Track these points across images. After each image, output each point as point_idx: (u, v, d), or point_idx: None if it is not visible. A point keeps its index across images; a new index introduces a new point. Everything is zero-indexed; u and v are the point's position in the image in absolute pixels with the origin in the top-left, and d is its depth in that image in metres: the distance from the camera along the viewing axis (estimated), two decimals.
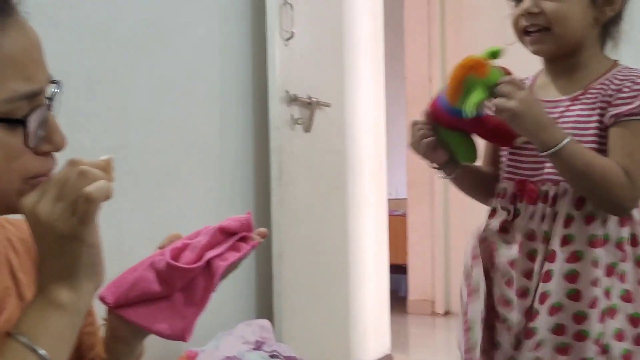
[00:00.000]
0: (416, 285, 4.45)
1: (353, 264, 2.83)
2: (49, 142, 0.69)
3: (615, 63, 1.23)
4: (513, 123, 1.15)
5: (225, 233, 0.84)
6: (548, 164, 1.20)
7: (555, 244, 1.18)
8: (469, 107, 1.14)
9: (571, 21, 1.18)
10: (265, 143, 2.37)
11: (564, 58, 1.23)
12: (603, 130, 1.17)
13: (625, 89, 1.15)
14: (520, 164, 1.26)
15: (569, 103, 1.21)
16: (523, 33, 1.24)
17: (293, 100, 2.39)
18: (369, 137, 3.00)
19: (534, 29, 1.21)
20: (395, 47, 4.34)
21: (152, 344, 2.10)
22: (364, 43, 2.97)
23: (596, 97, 1.18)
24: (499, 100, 1.14)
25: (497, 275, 1.26)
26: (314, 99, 2.47)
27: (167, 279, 0.80)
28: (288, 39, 2.36)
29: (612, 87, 1.17)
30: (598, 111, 1.17)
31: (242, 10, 2.39)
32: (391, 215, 3.43)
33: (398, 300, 4.41)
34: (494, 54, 1.17)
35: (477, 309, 1.27)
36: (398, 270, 4.54)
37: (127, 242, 1.90)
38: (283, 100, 2.36)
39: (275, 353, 2.03)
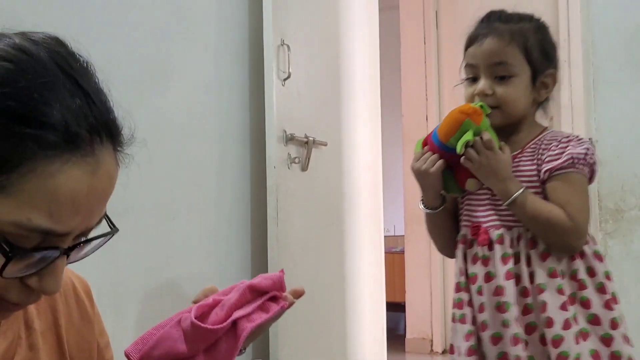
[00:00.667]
0: (414, 323, 4.42)
1: (350, 302, 2.82)
2: (39, 281, 0.63)
3: (545, 128, 1.47)
4: (477, 172, 1.40)
5: (255, 291, 0.80)
6: (502, 211, 1.39)
7: (525, 281, 1.36)
8: (461, 145, 1.36)
9: (517, 102, 1.41)
10: (263, 182, 2.39)
11: (507, 126, 1.45)
12: (542, 182, 1.39)
13: (553, 148, 1.39)
14: (475, 211, 1.44)
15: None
16: None
17: (290, 139, 2.41)
18: (366, 175, 3.02)
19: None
20: (391, 85, 4.39)
21: None
22: (360, 82, 3.00)
23: (532, 155, 1.42)
24: (470, 151, 1.38)
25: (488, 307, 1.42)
26: (311, 138, 2.49)
27: (192, 339, 0.77)
28: (285, 79, 2.40)
29: (542, 146, 1.41)
30: (535, 166, 1.40)
31: (239, 51, 2.43)
32: (389, 253, 3.43)
33: (396, 338, 4.37)
34: (485, 109, 1.39)
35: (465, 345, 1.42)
36: (396, 308, 4.52)
37: (124, 282, 1.90)
38: (280, 139, 2.38)
39: None
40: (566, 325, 1.31)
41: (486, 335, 1.37)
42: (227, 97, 2.37)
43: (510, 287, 1.35)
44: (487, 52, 1.40)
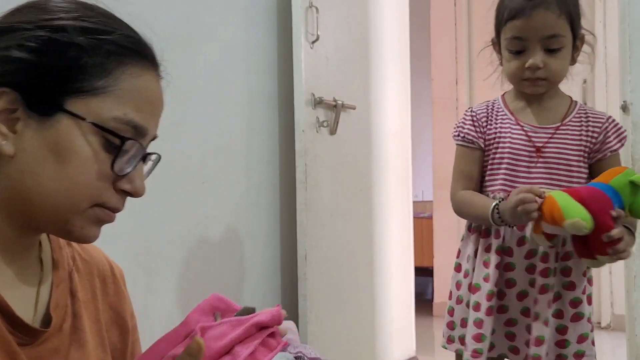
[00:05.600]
0: (442, 288, 4.43)
1: (378, 267, 2.83)
2: (130, 182, 0.73)
3: (570, 98, 1.52)
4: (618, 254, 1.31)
5: (256, 327, 0.78)
6: (543, 181, 1.44)
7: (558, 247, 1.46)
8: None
9: (564, 73, 1.45)
10: (291, 146, 2.39)
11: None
12: (586, 159, 1.46)
13: (611, 131, 1.46)
14: (517, 178, 1.47)
15: (553, 132, 1.46)
16: (521, 79, 1.45)
17: (318, 103, 2.40)
18: (395, 139, 3.00)
19: (534, 78, 1.44)
20: (421, 48, 4.33)
21: None
22: (389, 45, 2.96)
23: (578, 130, 1.46)
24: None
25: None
26: (340, 102, 2.47)
27: None
28: (314, 42, 2.38)
29: (590, 124, 1.47)
30: (582, 141, 1.46)
31: (267, 13, 2.41)
32: (417, 218, 3.42)
33: (424, 303, 4.39)
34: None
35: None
36: (424, 273, 4.53)
37: (154, 246, 1.92)
38: (308, 103, 2.37)
39: (300, 354, 2.04)
40: (583, 291, 1.46)
41: (513, 292, 1.47)
42: (255, 60, 2.36)
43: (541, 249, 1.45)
44: (540, 25, 1.39)
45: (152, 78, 0.77)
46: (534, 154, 1.44)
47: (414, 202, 3.29)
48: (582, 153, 1.45)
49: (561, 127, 1.46)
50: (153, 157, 0.78)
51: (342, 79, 2.58)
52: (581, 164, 1.45)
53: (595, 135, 1.46)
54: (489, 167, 1.50)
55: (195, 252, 2.10)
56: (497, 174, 1.48)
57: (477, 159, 1.50)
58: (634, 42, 2.11)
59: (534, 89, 1.45)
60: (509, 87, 1.55)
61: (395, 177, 3.00)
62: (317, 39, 2.38)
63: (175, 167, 1.99)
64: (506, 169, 1.46)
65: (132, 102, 0.72)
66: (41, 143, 0.68)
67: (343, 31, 2.60)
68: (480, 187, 1.52)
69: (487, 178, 1.50)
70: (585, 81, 3.61)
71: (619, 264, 2.16)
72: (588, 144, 1.46)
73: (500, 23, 1.46)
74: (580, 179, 1.45)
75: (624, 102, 2.14)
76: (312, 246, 2.38)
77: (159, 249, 1.94)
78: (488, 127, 1.49)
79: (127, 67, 0.73)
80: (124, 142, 0.71)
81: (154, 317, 1.93)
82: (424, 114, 4.45)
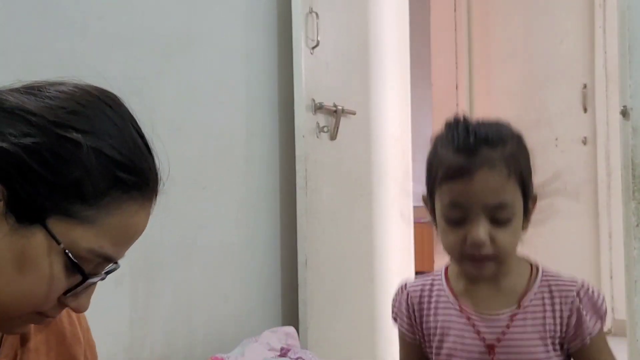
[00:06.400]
0: None
1: (378, 272, 2.83)
2: (76, 300, 0.70)
3: (530, 266, 1.14)
4: None
5: None
6: None
7: None
8: None
9: (514, 247, 1.09)
10: (291, 151, 2.39)
11: None
12: (560, 350, 1.10)
13: (585, 307, 1.09)
14: None
15: (507, 321, 1.10)
16: (462, 255, 1.08)
17: (319, 108, 2.40)
18: (395, 145, 3.00)
19: (478, 256, 1.06)
20: (421, 54, 4.34)
21: (176, 350, 2.12)
22: (390, 50, 2.97)
23: (537, 316, 1.10)
24: None
25: None
26: (340, 107, 2.48)
27: None
28: (314, 47, 2.38)
29: (560, 309, 1.09)
30: (549, 333, 1.09)
31: (267, 19, 2.41)
32: (417, 223, 3.41)
33: None
34: None
35: None
36: None
37: (154, 252, 1.92)
38: (309, 108, 2.37)
39: None
40: None
41: None
42: (255, 65, 2.36)
43: None
44: (484, 192, 1.04)
45: (145, 213, 0.73)
46: (486, 355, 1.09)
47: (414, 208, 3.29)
48: (550, 346, 1.10)
49: (518, 315, 1.10)
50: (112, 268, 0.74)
51: (343, 84, 2.58)
52: (553, 357, 1.10)
53: (565, 319, 1.10)
54: None
55: (195, 257, 2.10)
56: None
57: (416, 355, 1.18)
58: (633, 47, 2.12)
59: (479, 271, 1.08)
60: None
61: (395, 183, 3.00)
62: (317, 45, 2.38)
63: (174, 172, 1.98)
64: None
65: (113, 238, 0.69)
66: (7, 246, 0.64)
67: (343, 37, 2.60)
68: None
69: None
70: (585, 86, 3.61)
71: (620, 269, 2.16)
72: (558, 332, 1.10)
73: (433, 182, 1.10)
74: None
75: (623, 107, 2.14)
76: (312, 251, 2.37)
77: (158, 255, 1.94)
78: (423, 316, 1.17)
79: (124, 204, 0.69)
80: (85, 280, 0.68)
81: (155, 323, 1.92)
82: (424, 120, 4.46)
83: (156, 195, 0.75)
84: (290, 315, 2.40)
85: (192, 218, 2.07)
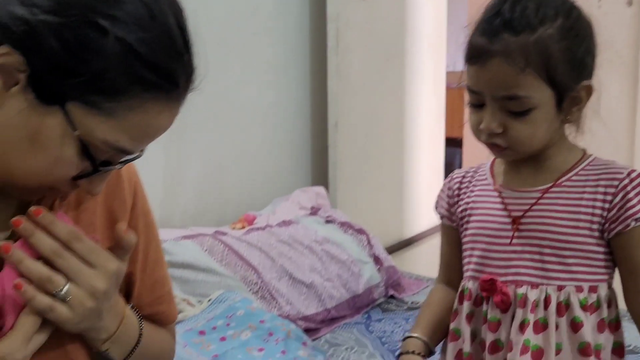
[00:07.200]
0: (470, 159, 4.43)
1: (408, 136, 2.82)
2: (89, 183, 0.70)
3: (584, 154, 1.08)
4: None
5: None
6: (523, 262, 1.05)
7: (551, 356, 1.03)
8: None
9: (533, 139, 1.03)
10: (322, 10, 2.31)
11: (530, 156, 1.07)
12: (595, 231, 1.04)
13: (635, 197, 1.01)
14: (488, 258, 1.09)
15: (538, 195, 1.06)
16: (480, 139, 1.05)
17: None
18: (429, 5, 2.89)
19: (491, 144, 1.04)
20: None
21: (209, 209, 2.18)
22: None
23: (573, 194, 1.05)
24: None
25: None
26: None
27: None
28: None
29: (600, 182, 1.04)
30: (582, 211, 1.03)
31: None
32: (449, 88, 3.36)
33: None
34: None
35: None
36: (453, 143, 4.51)
37: (185, 110, 1.92)
38: None
39: (330, 218, 2.09)
40: None
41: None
42: None
43: None
44: (494, 82, 0.99)
45: (170, 113, 0.69)
46: (509, 227, 1.07)
47: (447, 73, 3.22)
48: (584, 224, 1.04)
49: (551, 190, 1.07)
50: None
51: None
52: (585, 239, 1.04)
53: (609, 198, 1.03)
54: (464, 247, 1.14)
55: (226, 118, 2.10)
56: (471, 255, 1.12)
57: (454, 240, 1.16)
58: None
59: (500, 156, 1.07)
60: None
61: (429, 45, 2.92)
62: None
63: (204, 32, 1.95)
64: (478, 248, 1.10)
65: (132, 134, 0.66)
66: (24, 122, 0.64)
67: None
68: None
69: (464, 262, 1.13)
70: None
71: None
72: (596, 211, 1.04)
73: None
74: (581, 262, 1.04)
75: None
76: (342, 114, 2.36)
77: (190, 115, 1.95)
78: (460, 199, 1.14)
79: (147, 103, 0.65)
80: (95, 171, 0.67)
81: (187, 183, 1.96)
82: None
83: (183, 95, 0.69)
84: (320, 176, 2.43)
85: (222, 79, 2.05)
